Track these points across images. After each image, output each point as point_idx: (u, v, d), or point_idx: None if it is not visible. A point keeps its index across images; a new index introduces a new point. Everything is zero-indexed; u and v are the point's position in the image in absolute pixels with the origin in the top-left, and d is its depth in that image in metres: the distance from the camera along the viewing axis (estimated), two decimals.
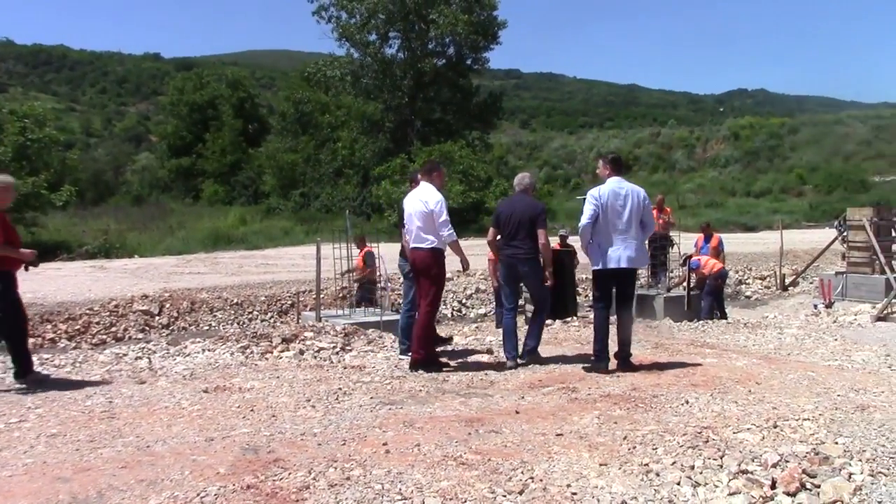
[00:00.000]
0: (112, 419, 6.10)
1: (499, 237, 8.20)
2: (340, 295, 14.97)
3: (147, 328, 15.92)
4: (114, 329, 15.56)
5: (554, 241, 11.65)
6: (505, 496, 4.38)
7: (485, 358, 8.80)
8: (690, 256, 15.95)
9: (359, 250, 14.43)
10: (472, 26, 46.09)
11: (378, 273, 13.94)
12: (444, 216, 7.85)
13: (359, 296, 13.89)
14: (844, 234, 17.25)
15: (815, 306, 15.45)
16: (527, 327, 8.50)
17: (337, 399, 6.62)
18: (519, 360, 7.98)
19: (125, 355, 9.13)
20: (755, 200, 58.12)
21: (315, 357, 8.70)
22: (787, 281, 20.67)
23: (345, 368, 8.06)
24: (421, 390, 7.02)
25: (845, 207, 19.30)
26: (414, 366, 7.99)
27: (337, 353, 8.89)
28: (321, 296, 13.21)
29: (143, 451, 5.23)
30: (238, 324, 16.46)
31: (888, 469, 4.84)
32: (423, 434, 5.48)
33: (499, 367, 8.13)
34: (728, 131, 78.22)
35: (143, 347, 9.81)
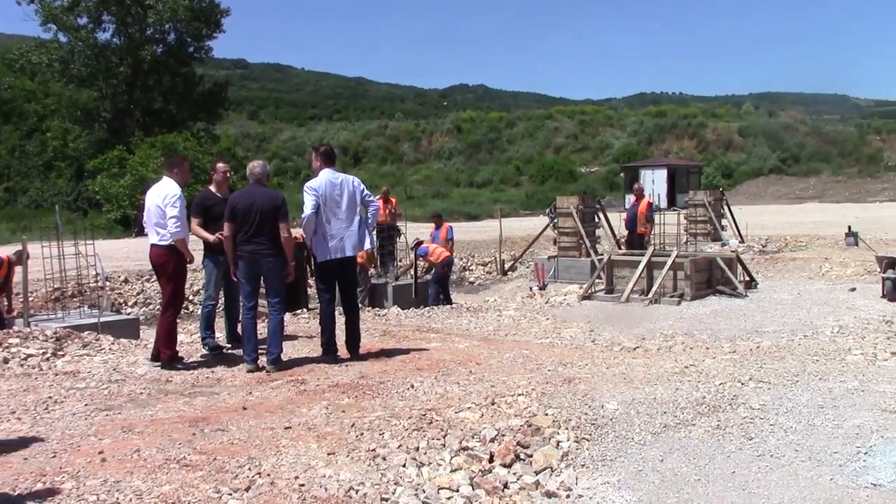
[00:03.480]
0: None
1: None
2: (53, 297, 13.89)
3: None
4: None
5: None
6: (231, 494, 4.29)
7: (212, 356, 8.54)
8: (421, 242, 16.44)
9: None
10: (192, 13, 44.41)
11: (97, 272, 13.05)
12: (175, 211, 7.58)
13: None
14: (555, 221, 18.64)
15: (531, 289, 16.55)
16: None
17: (46, 409, 6.13)
18: (267, 367, 7.53)
19: None
20: (477, 190, 61.13)
21: (22, 365, 7.97)
22: (507, 266, 21.94)
23: (56, 375, 7.47)
24: (142, 393, 6.67)
25: (556, 196, 20.82)
26: (161, 365, 7.73)
27: (48, 359, 8.21)
28: (30, 298, 12.16)
29: None
30: None
31: (590, 434, 5.31)
32: (143, 438, 5.22)
33: (225, 363, 7.93)
34: (451, 125, 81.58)
35: None
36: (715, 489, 4.45)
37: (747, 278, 13.52)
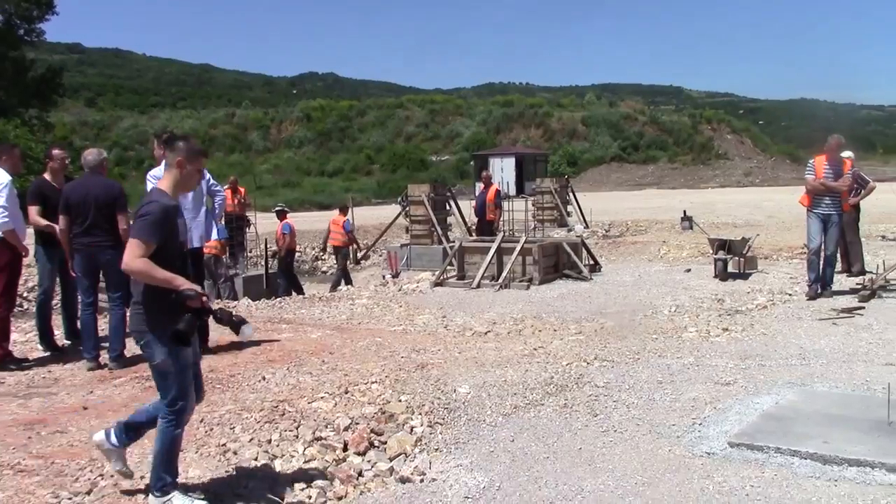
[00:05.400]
0: None
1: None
2: None
3: None
4: None
5: None
6: (71, 499, 4.10)
7: (49, 354, 8.09)
8: (286, 213, 16.25)
9: None
10: None
11: None
12: (2, 200, 7.13)
13: None
14: (407, 209, 18.75)
15: (384, 277, 16.60)
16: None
17: None
18: (109, 365, 7.19)
19: None
20: (329, 179, 60.65)
21: None
22: (359, 255, 21.88)
23: None
24: None
25: (407, 185, 20.94)
26: None
27: None
28: None
29: None
30: None
31: (443, 419, 5.38)
32: None
33: (63, 362, 7.52)
34: (301, 113, 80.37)
35: None
36: (563, 465, 4.60)
37: (592, 262, 14.01)
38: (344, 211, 17.72)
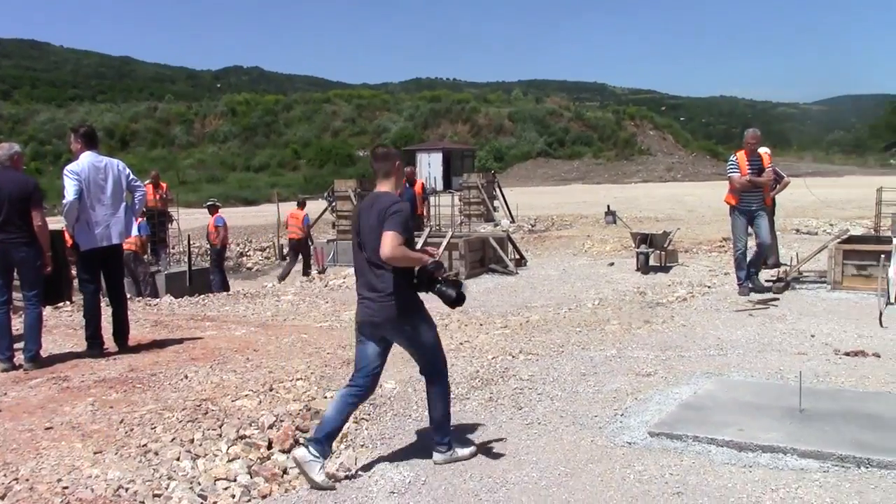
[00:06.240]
0: None
1: None
2: None
3: None
4: None
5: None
6: None
7: None
8: (218, 208, 16.02)
9: None
10: None
11: None
12: None
13: None
14: (333, 204, 18.65)
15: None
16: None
17: None
18: (24, 365, 6.90)
19: None
20: (255, 175, 59.80)
21: None
22: (285, 251, 21.66)
23: None
24: None
25: (334, 180, 20.82)
26: None
27: None
28: None
29: None
30: None
31: (369, 415, 5.40)
32: None
33: None
34: (226, 107, 79.03)
35: None
36: (488, 459, 4.65)
37: (518, 256, 14.15)
38: (302, 205, 17.57)
